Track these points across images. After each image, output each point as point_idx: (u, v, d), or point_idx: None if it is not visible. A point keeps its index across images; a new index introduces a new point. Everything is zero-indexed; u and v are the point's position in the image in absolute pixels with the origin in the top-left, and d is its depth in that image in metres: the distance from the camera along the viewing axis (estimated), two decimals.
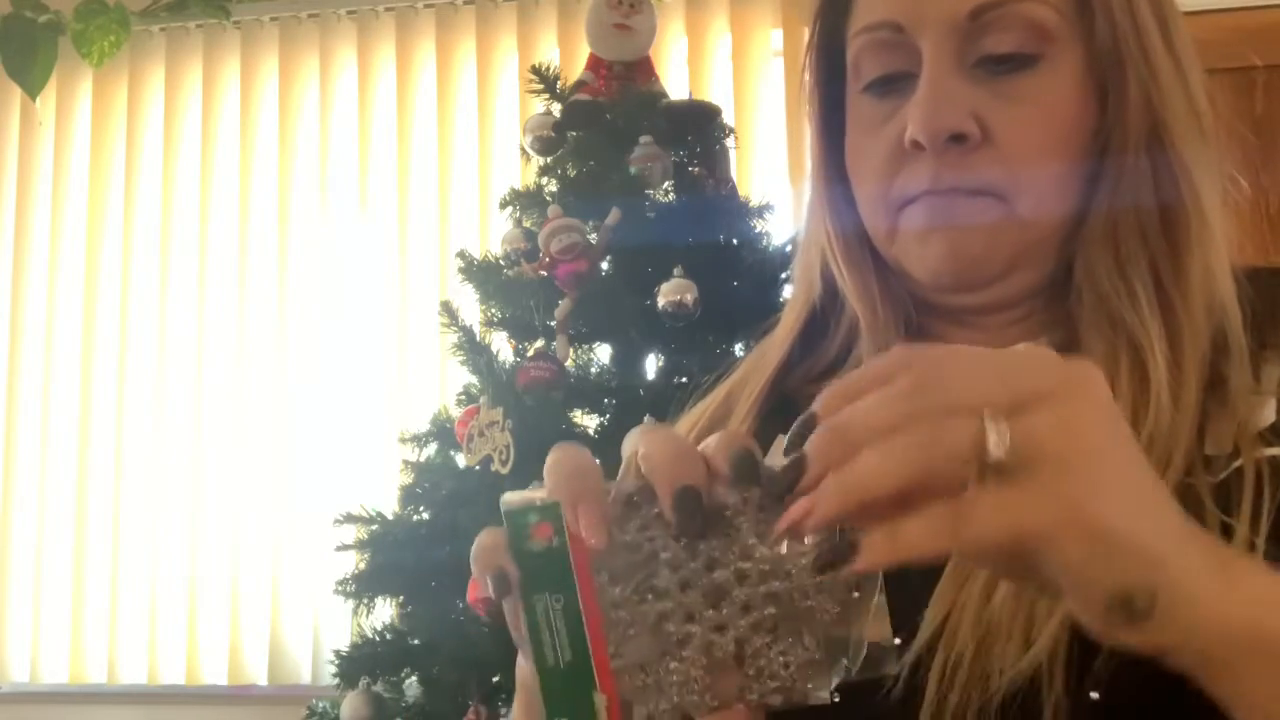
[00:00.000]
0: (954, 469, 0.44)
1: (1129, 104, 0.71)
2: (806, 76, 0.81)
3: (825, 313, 0.81)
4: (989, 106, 0.70)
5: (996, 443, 0.44)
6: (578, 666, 0.48)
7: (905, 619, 0.62)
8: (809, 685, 0.48)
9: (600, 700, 0.48)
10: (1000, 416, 0.44)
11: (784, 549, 0.47)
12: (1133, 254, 0.70)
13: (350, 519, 2.05)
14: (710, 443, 0.49)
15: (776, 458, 0.48)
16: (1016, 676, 0.59)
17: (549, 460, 0.51)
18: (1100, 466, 0.45)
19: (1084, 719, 0.59)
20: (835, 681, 0.48)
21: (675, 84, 2.78)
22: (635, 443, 0.50)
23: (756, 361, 0.83)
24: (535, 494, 0.50)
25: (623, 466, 0.52)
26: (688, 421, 0.82)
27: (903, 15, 0.72)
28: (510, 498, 0.50)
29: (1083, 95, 0.71)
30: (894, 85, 0.73)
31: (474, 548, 0.51)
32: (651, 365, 2.02)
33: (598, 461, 0.50)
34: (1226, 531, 0.60)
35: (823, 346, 0.82)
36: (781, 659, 0.48)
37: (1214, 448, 0.65)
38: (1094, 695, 0.58)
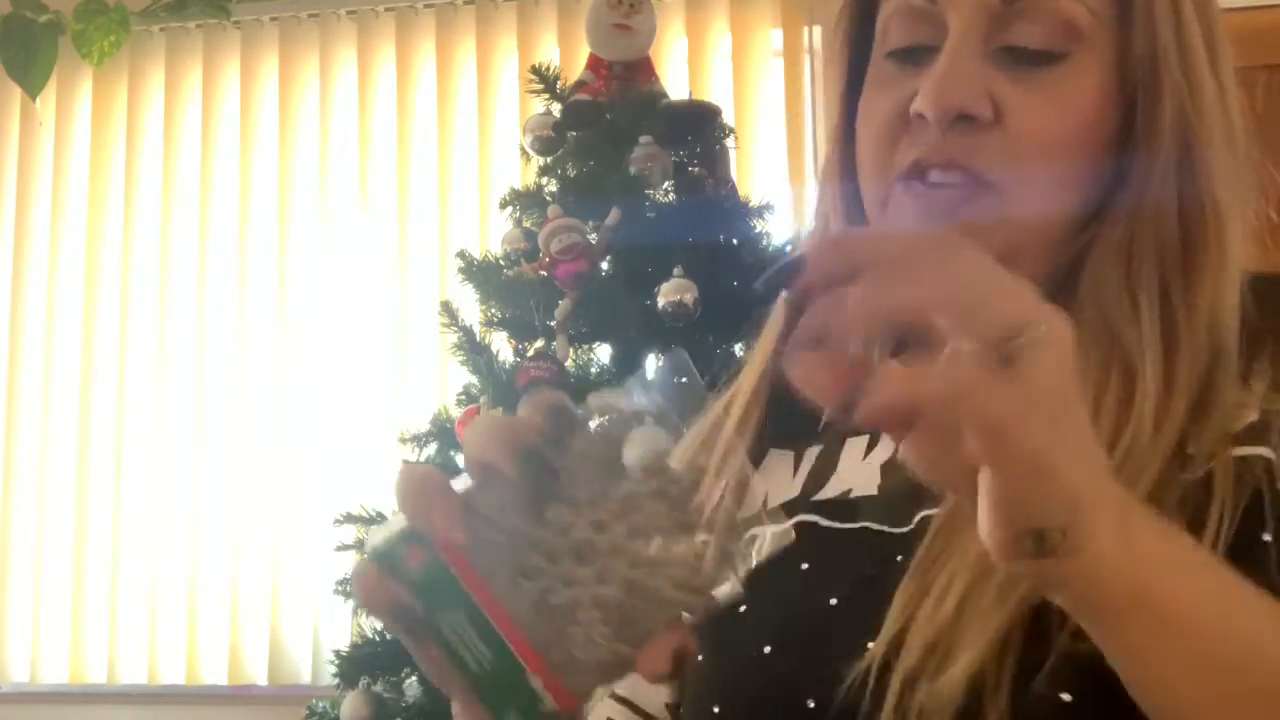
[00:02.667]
0: (985, 334, 0.45)
1: (1161, 118, 0.69)
2: (840, 33, 0.79)
3: None
4: (1006, 89, 0.69)
5: (1031, 334, 0.45)
6: (503, 662, 0.49)
7: (865, 627, 0.63)
8: (708, 588, 0.49)
9: (536, 681, 0.49)
10: (1033, 323, 0.46)
11: (623, 487, 0.48)
12: (1145, 271, 0.68)
13: (350, 519, 2.05)
14: (524, 410, 0.51)
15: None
16: (966, 679, 0.59)
17: (395, 488, 0.51)
18: (1063, 408, 0.47)
19: None
20: (739, 570, 0.50)
21: (675, 84, 2.78)
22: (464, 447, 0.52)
23: (758, 350, 0.82)
24: (392, 529, 0.51)
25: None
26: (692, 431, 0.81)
27: None
28: (371, 542, 0.51)
29: (1104, 100, 0.69)
30: (917, 56, 0.71)
31: (357, 593, 0.51)
32: (652, 365, 2.02)
33: (441, 474, 0.52)
34: (1195, 531, 0.60)
35: None
36: (669, 582, 0.49)
37: (1195, 447, 0.64)
38: (1065, 697, 0.58)
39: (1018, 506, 0.47)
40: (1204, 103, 0.69)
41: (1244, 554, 0.59)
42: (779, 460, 0.78)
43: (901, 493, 0.69)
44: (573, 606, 0.49)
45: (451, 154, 3.10)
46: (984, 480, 0.47)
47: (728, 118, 2.27)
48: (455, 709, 0.57)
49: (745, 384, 0.80)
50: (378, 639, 2.00)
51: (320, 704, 2.16)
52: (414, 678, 2.00)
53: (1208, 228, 0.69)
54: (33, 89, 2.29)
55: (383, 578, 0.50)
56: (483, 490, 0.50)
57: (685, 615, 0.50)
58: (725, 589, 0.50)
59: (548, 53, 3.01)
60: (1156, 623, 0.50)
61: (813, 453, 0.77)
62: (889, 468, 0.73)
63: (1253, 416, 0.65)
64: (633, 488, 0.49)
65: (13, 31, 2.24)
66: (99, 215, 3.24)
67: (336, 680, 2.00)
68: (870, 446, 0.75)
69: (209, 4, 2.39)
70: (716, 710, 0.69)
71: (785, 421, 0.77)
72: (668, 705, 0.77)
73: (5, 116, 3.29)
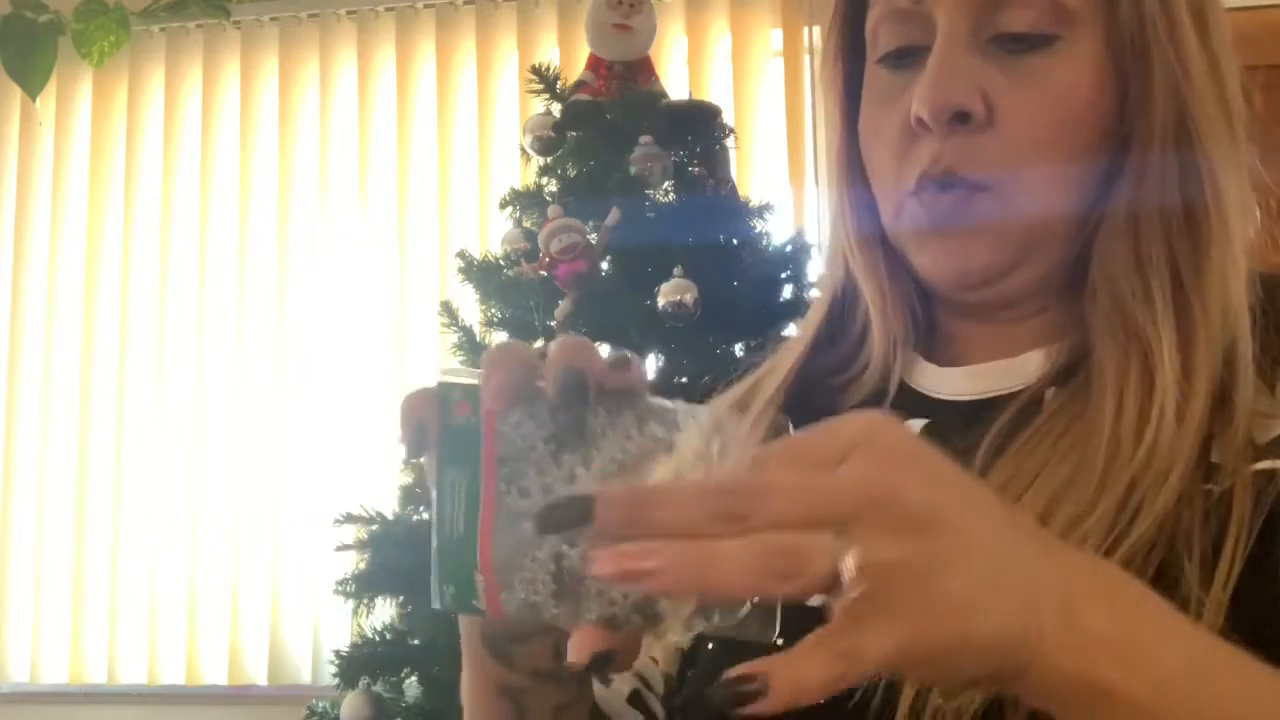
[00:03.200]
0: (804, 587, 0.43)
1: (1153, 96, 0.68)
2: (832, 44, 0.78)
3: (847, 298, 0.79)
4: (998, 86, 0.68)
5: (850, 577, 0.42)
6: (468, 544, 0.50)
7: None
8: (649, 620, 0.47)
9: (479, 581, 0.50)
10: (853, 547, 0.42)
11: (640, 473, 0.47)
12: (1153, 253, 0.67)
13: (350, 519, 2.05)
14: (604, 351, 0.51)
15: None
16: (985, 701, 0.57)
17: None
18: (941, 567, 0.43)
19: None
20: (687, 631, 0.48)
21: (675, 84, 2.78)
22: None
23: (785, 348, 0.81)
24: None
25: None
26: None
27: None
28: (446, 374, 0.52)
29: (1099, 83, 0.69)
30: (909, 59, 0.71)
31: (404, 402, 0.52)
32: (651, 365, 2.03)
33: (533, 353, 0.52)
34: (1218, 545, 0.60)
35: (846, 333, 0.79)
36: (619, 589, 0.47)
37: (1219, 455, 0.63)
38: None
39: (938, 679, 0.47)
40: (1194, 78, 0.68)
41: (1258, 571, 0.58)
42: None
43: None
44: (535, 545, 0.48)
45: (451, 154, 3.10)
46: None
47: (728, 118, 2.28)
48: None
49: (763, 395, 0.78)
50: (378, 639, 2.00)
51: (320, 704, 2.16)
52: (414, 678, 2.00)
53: (1208, 201, 0.68)
54: (33, 89, 2.29)
55: (429, 404, 0.51)
56: (538, 397, 0.50)
57: (606, 625, 0.48)
58: (672, 640, 0.48)
59: (548, 53, 3.01)
60: (1123, 711, 0.47)
61: None
62: None
63: (1277, 430, 0.64)
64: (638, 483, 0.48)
65: (13, 31, 2.24)
66: (99, 215, 3.24)
67: (336, 680, 2.00)
68: None
69: (209, 4, 2.39)
70: None
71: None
72: (665, 675, 0.77)
73: (5, 116, 3.29)
